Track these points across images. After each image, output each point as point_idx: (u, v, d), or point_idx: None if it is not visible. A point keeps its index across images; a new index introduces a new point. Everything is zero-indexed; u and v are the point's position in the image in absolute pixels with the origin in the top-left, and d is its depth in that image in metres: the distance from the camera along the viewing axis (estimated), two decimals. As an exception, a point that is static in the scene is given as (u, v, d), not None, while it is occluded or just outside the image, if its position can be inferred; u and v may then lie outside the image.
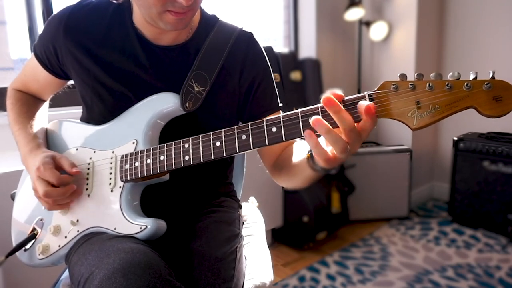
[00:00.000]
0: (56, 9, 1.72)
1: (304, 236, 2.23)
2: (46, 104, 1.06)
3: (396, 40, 2.70)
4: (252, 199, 1.29)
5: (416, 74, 0.58)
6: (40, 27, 1.71)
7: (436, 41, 2.80)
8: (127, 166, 0.81)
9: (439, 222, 2.56)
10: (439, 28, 2.80)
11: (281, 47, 2.66)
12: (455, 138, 2.44)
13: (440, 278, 1.92)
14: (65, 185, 0.81)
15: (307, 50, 2.62)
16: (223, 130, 0.71)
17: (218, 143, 0.71)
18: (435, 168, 2.99)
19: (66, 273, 0.95)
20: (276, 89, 0.95)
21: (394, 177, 2.54)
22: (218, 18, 0.92)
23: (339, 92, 0.62)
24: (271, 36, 2.64)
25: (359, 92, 2.79)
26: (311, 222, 2.19)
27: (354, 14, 2.58)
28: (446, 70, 2.83)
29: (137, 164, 0.80)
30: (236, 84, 0.90)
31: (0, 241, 1.04)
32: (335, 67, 2.72)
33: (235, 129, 0.70)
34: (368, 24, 2.70)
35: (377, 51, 2.83)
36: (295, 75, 2.46)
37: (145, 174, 0.79)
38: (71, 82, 0.97)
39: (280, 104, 0.95)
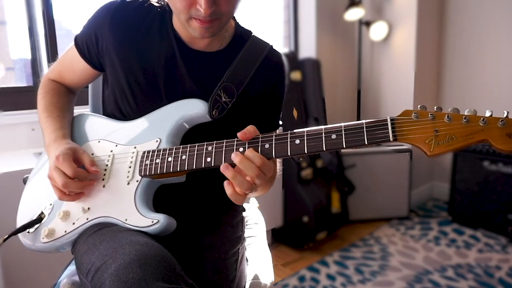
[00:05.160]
0: (56, 9, 1.72)
1: (304, 236, 2.23)
2: (75, 98, 1.08)
3: (396, 40, 2.70)
4: (252, 200, 1.29)
5: (435, 107, 0.64)
6: (40, 27, 1.71)
7: (436, 41, 2.80)
8: (148, 162, 0.82)
9: (439, 222, 2.56)
10: (439, 28, 2.80)
11: (281, 47, 2.66)
12: (455, 138, 2.44)
13: (440, 278, 1.92)
14: (80, 178, 0.82)
15: (307, 50, 2.62)
16: None
17: (241, 149, 0.73)
18: (435, 168, 2.99)
19: (66, 272, 0.95)
20: (281, 110, 1.01)
21: (394, 177, 2.54)
22: (252, 33, 0.96)
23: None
24: (271, 36, 2.64)
25: (359, 92, 2.80)
26: (311, 222, 2.20)
27: (354, 14, 2.58)
28: (446, 70, 2.83)
29: (158, 160, 0.81)
30: (259, 99, 0.94)
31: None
32: (335, 67, 2.72)
33: (260, 138, 0.73)
34: (368, 24, 2.70)
35: (377, 51, 2.82)
36: (295, 75, 2.46)
37: (164, 171, 0.80)
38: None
39: (281, 122, 1.02)
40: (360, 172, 2.51)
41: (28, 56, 1.73)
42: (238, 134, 0.73)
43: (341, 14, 2.61)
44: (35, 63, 1.73)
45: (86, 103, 1.15)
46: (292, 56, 2.51)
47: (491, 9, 2.54)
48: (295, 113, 2.36)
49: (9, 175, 1.28)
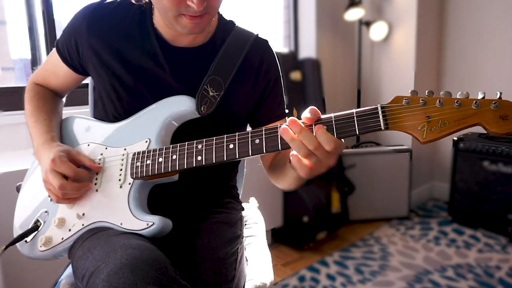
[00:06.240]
0: (56, 9, 1.72)
1: (304, 236, 2.23)
2: (63, 101, 1.08)
3: (396, 40, 2.70)
4: (252, 200, 1.29)
5: (427, 91, 0.62)
6: (40, 27, 1.71)
7: (436, 41, 2.80)
8: (138, 164, 0.82)
9: (439, 222, 2.56)
10: (439, 28, 2.80)
11: (281, 47, 2.66)
12: (455, 138, 2.44)
13: (440, 278, 1.92)
14: (80, 179, 0.82)
15: (307, 50, 2.62)
16: (237, 133, 0.73)
17: (231, 146, 0.73)
18: (435, 168, 2.99)
19: (66, 273, 0.95)
20: (284, 97, 0.98)
21: (394, 177, 2.54)
22: (235, 24, 0.94)
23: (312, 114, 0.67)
24: (271, 36, 2.64)
25: (359, 92, 2.80)
26: (311, 222, 2.20)
27: (354, 14, 2.58)
28: (446, 70, 2.83)
29: (148, 162, 0.80)
30: (250, 90, 0.92)
31: (1, 240, 1.04)
32: (335, 67, 2.72)
33: (249, 133, 0.72)
34: (368, 24, 2.70)
35: (377, 51, 2.82)
36: (295, 75, 2.46)
37: (156, 172, 0.79)
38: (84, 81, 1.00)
39: (287, 111, 0.99)
40: (360, 172, 2.51)
41: (28, 56, 1.73)
42: (310, 111, 0.67)
43: (341, 14, 2.61)
44: (35, 63, 1.73)
45: (86, 103, 1.15)
46: (292, 56, 2.51)
47: (491, 9, 2.54)
48: (295, 113, 2.35)
49: (9, 175, 1.28)
